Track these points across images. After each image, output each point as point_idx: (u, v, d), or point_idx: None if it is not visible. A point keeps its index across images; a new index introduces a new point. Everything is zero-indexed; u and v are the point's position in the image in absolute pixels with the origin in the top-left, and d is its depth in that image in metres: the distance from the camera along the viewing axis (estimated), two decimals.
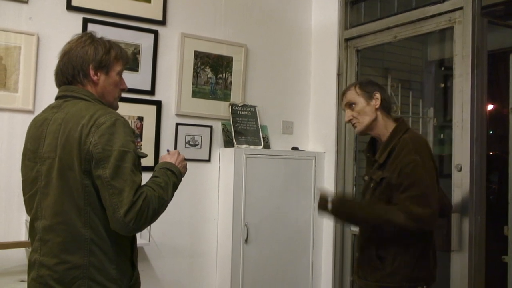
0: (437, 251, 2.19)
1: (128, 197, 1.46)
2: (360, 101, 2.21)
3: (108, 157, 1.48)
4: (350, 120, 2.25)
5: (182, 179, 1.76)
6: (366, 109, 2.20)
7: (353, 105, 2.22)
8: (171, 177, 1.65)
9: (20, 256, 2.69)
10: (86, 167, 1.50)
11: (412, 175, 2.01)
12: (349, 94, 2.25)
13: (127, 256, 1.64)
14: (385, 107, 2.21)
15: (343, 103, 2.28)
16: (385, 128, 2.19)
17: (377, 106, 2.19)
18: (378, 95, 2.19)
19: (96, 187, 1.51)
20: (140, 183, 1.53)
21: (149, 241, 2.99)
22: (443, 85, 4.03)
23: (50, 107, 1.68)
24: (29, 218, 1.68)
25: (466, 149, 2.65)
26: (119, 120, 1.55)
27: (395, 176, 2.04)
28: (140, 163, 1.60)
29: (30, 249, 2.53)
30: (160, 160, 1.76)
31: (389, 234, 2.10)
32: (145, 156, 1.68)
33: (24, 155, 1.69)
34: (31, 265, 1.61)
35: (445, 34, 3.35)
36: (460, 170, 2.65)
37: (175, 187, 1.66)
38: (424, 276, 2.09)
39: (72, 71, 1.64)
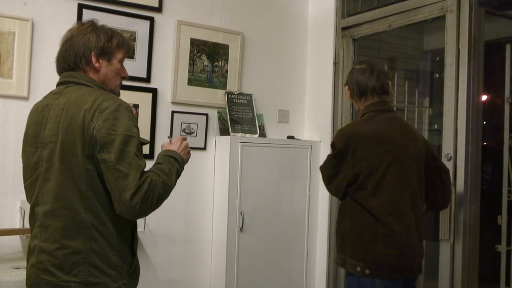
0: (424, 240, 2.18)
1: (134, 180, 1.46)
2: (346, 88, 2.33)
3: (112, 141, 1.48)
4: None
5: None
6: (350, 98, 2.30)
7: None
8: (174, 164, 1.66)
9: (15, 243, 2.68)
10: (90, 152, 1.50)
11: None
12: None
13: (128, 242, 1.65)
14: (359, 96, 2.21)
15: None
16: None
17: (348, 97, 2.29)
18: (346, 88, 2.28)
19: (99, 172, 1.52)
20: (145, 168, 1.54)
21: (144, 229, 2.99)
22: (438, 75, 4.04)
23: (52, 93, 1.68)
24: (24, 205, 1.67)
25: (461, 139, 2.66)
26: (122, 105, 1.55)
27: None
28: (142, 149, 1.60)
29: (25, 236, 2.53)
30: (162, 148, 1.76)
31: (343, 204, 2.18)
32: (146, 142, 1.68)
33: (25, 141, 1.68)
34: (31, 251, 1.60)
35: (442, 24, 3.34)
36: (449, 159, 2.67)
37: (178, 174, 1.67)
38: (368, 259, 2.02)
39: (74, 57, 1.64)
